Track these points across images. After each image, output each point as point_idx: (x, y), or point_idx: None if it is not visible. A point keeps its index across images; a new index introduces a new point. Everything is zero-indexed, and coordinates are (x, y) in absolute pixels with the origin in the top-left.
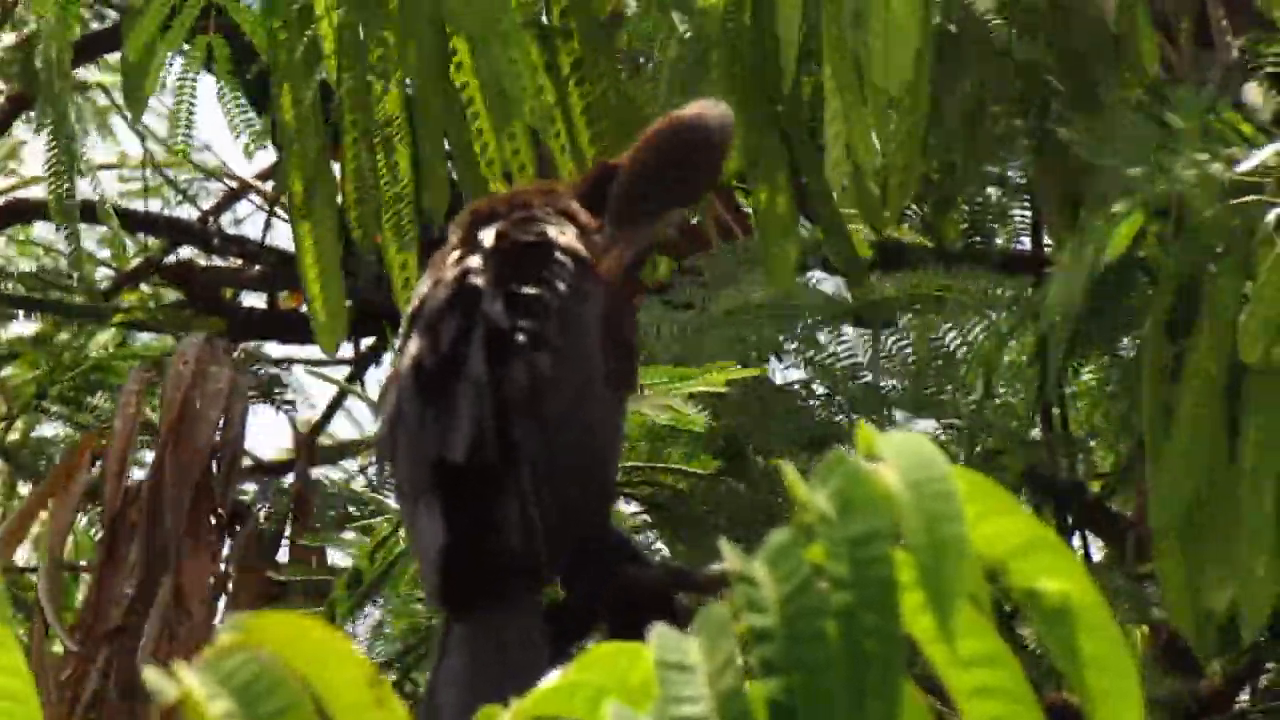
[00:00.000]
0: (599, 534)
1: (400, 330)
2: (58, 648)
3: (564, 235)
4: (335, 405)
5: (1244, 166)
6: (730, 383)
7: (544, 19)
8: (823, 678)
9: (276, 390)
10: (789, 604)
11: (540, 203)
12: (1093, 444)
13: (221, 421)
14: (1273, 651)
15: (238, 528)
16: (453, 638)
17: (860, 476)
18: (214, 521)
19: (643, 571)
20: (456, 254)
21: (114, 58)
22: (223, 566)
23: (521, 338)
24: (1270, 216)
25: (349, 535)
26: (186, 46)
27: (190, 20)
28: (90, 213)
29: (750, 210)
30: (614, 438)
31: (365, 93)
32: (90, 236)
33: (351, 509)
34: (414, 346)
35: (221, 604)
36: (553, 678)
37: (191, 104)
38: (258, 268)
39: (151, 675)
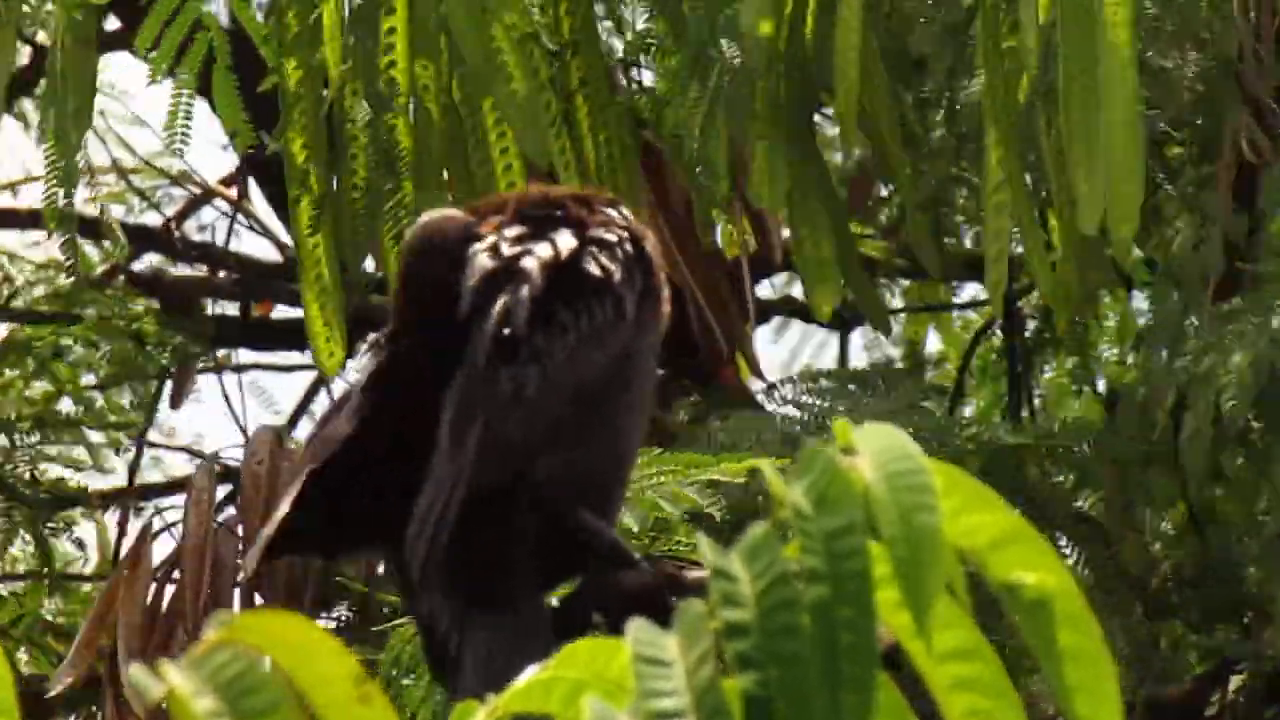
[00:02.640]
0: (597, 539)
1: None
2: None
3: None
4: (301, 409)
5: None
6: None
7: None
8: (799, 671)
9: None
10: (765, 598)
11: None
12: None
13: None
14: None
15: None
16: (465, 643)
17: (836, 470)
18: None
19: (637, 575)
20: (515, 232)
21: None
22: None
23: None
24: None
25: None
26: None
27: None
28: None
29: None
30: (629, 452)
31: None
32: (52, 243)
33: None
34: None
35: None
36: (530, 673)
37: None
38: (222, 274)
39: (136, 673)
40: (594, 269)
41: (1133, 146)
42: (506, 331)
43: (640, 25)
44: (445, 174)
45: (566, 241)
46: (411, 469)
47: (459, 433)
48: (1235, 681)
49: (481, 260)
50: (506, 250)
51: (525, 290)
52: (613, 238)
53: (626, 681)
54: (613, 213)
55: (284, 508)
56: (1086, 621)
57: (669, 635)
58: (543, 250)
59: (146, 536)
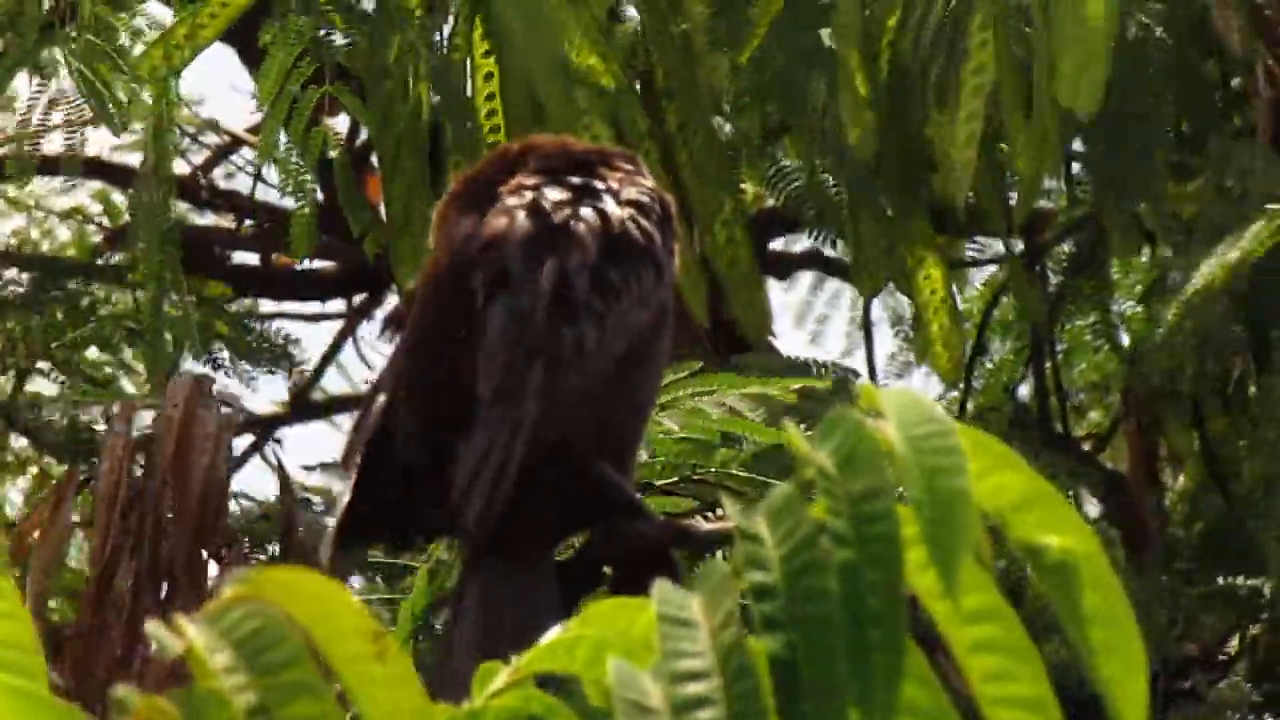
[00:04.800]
0: (616, 492)
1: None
2: None
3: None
4: (327, 360)
5: None
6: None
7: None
8: (825, 634)
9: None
10: (791, 560)
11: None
12: (1083, 397)
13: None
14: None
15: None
16: (468, 592)
17: (862, 432)
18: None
19: (646, 527)
20: (557, 195)
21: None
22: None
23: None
24: None
25: None
26: None
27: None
28: (84, 167)
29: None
30: (648, 406)
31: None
32: (83, 192)
33: None
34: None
35: None
36: (554, 633)
37: None
38: (248, 223)
39: (155, 629)
40: (639, 235)
41: (1100, 29)
42: (566, 293)
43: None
44: None
45: (614, 209)
46: (446, 438)
47: (509, 387)
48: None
49: (522, 221)
50: (550, 209)
51: (582, 256)
52: (647, 200)
53: (649, 642)
54: (635, 171)
55: (346, 495)
56: (1110, 584)
57: (693, 596)
58: (591, 216)
59: (71, 481)
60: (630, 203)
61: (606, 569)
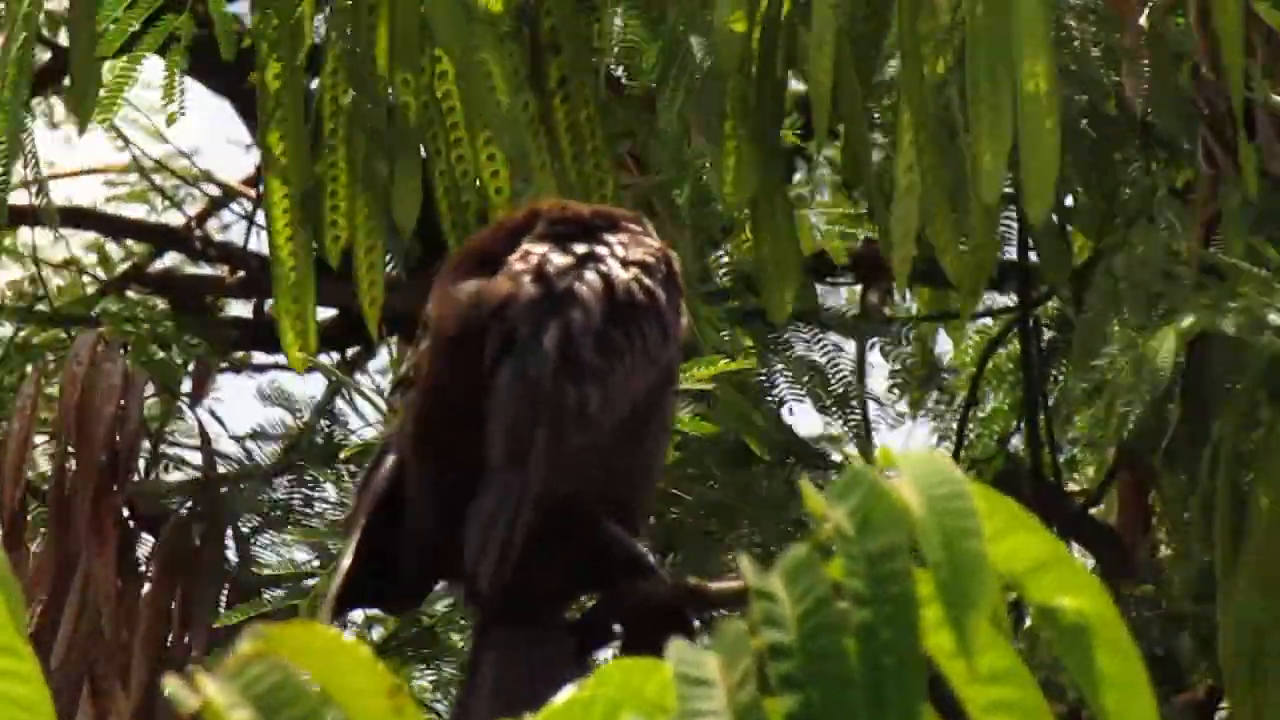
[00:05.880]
0: (623, 551)
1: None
2: None
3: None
4: (322, 410)
5: None
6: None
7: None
8: (842, 694)
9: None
10: (808, 620)
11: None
12: (1076, 452)
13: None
14: None
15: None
16: (482, 653)
17: (879, 492)
18: (119, 520)
19: (657, 586)
20: (561, 260)
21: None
22: (141, 568)
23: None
24: None
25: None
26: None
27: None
28: (76, 217)
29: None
30: (657, 465)
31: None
32: (76, 242)
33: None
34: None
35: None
36: (568, 692)
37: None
38: (241, 274)
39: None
40: (642, 295)
41: (1048, 117)
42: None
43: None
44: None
45: (618, 271)
46: (456, 500)
47: (516, 449)
48: None
49: (528, 286)
50: (554, 275)
51: (585, 318)
52: (652, 260)
53: (664, 701)
54: (641, 232)
55: (346, 561)
56: (1125, 647)
57: (709, 654)
58: (594, 278)
59: None
60: (635, 263)
61: (618, 628)
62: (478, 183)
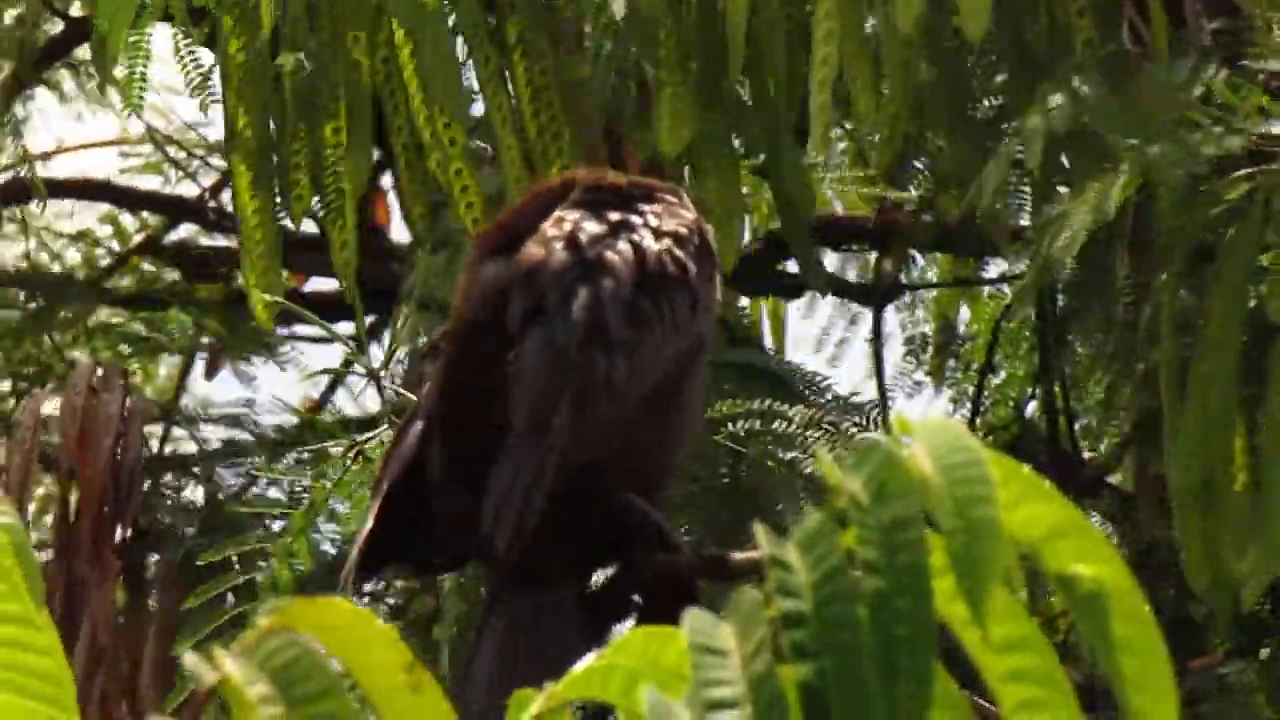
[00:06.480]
0: (642, 522)
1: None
2: None
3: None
4: (336, 382)
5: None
6: None
7: None
8: (855, 662)
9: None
10: (822, 589)
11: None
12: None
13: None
14: (1274, 625)
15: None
16: (490, 620)
17: (894, 462)
18: (118, 547)
19: (675, 557)
20: (594, 229)
21: None
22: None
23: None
24: None
25: None
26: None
27: None
28: (91, 190)
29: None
30: (683, 437)
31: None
32: (91, 214)
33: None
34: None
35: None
36: (587, 661)
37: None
38: None
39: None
40: (673, 266)
41: None
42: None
43: None
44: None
45: (649, 241)
46: (478, 466)
47: (541, 416)
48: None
49: (559, 252)
50: (586, 243)
51: (615, 287)
52: (685, 231)
53: (682, 670)
54: (676, 204)
55: (369, 523)
56: (1142, 614)
57: (724, 624)
58: (626, 249)
59: None
60: (667, 234)
61: (636, 598)
62: (431, 137)
